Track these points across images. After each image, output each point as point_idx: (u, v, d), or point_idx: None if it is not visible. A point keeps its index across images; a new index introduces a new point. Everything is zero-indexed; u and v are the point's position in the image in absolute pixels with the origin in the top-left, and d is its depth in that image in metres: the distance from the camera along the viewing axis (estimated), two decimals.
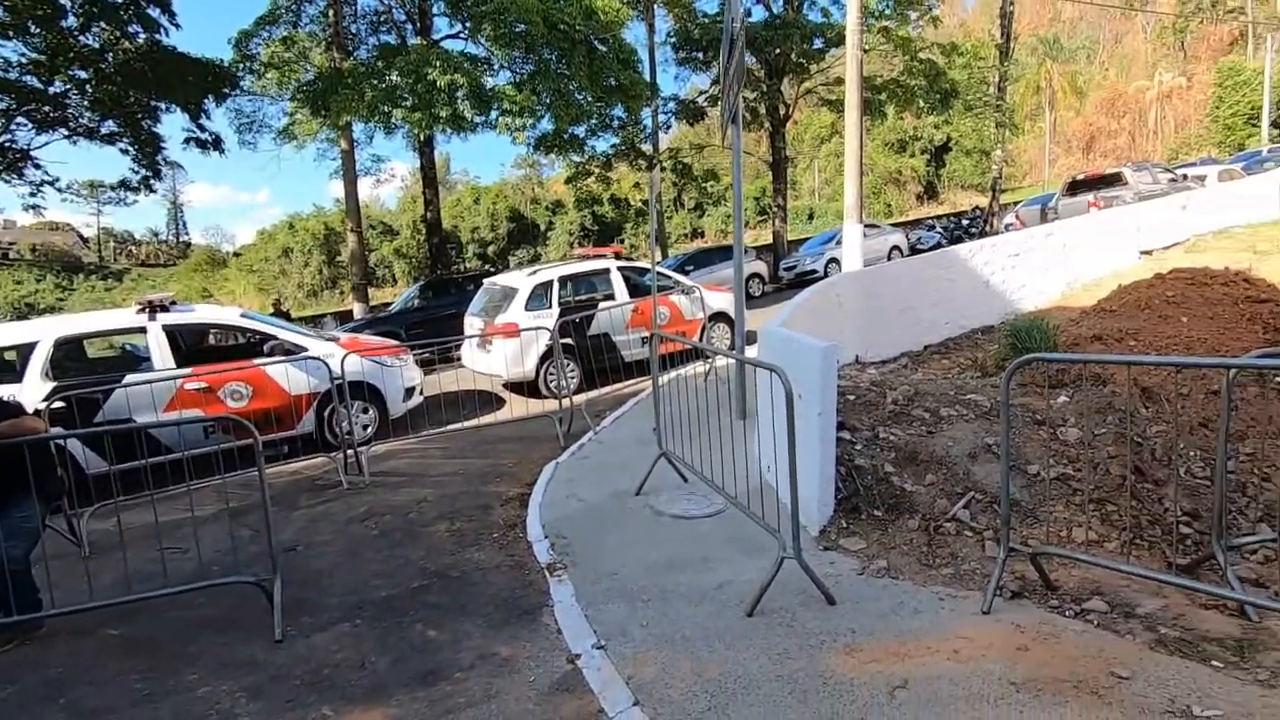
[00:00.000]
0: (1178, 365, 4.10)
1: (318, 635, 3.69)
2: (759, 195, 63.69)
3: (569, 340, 8.25)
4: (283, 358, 6.76)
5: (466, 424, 7.43)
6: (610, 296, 9.12)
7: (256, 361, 6.75)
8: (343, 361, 6.35)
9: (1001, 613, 3.22)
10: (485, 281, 10.12)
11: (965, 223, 22.77)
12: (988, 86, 24.33)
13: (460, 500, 5.61)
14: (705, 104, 20.60)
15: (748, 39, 18.73)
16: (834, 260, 17.32)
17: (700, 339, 9.47)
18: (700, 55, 19.28)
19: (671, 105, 21.33)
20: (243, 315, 7.45)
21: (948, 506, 4.14)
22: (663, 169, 22.32)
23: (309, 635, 3.69)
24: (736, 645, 3.16)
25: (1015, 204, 24.15)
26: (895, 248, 19.60)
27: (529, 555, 4.46)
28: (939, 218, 27.24)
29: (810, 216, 58.23)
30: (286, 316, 13.81)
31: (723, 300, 9.74)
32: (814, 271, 18.24)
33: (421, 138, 15.04)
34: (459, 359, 9.56)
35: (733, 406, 6.42)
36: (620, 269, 9.38)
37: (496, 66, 14.78)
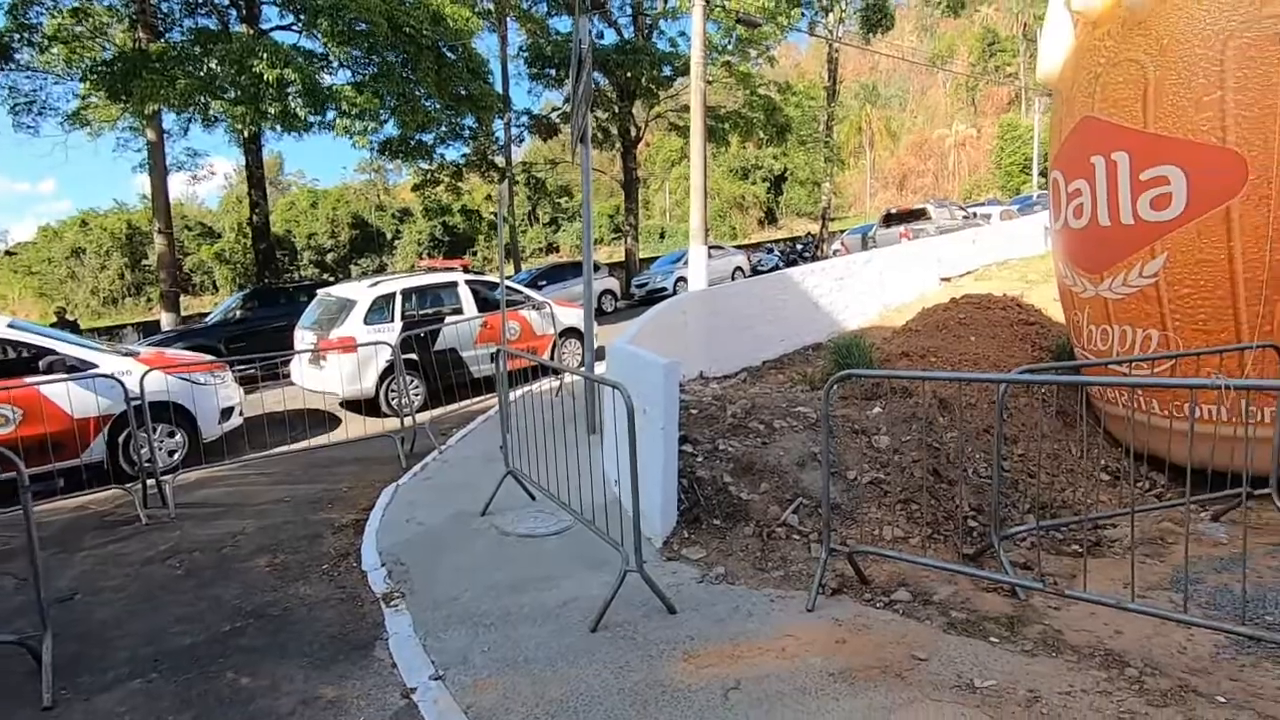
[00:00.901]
0: (962, 380, 4.70)
1: (100, 696, 3.20)
2: (613, 213, 64.89)
3: (413, 356, 7.89)
4: (64, 375, 5.85)
5: (295, 446, 6.85)
6: (458, 311, 8.85)
7: (28, 380, 5.79)
8: (142, 379, 5.61)
9: (824, 609, 3.49)
10: (319, 292, 9.42)
11: (800, 247, 24.69)
12: (818, 124, 26.70)
13: (285, 530, 5.14)
14: (558, 120, 20.76)
15: (599, 61, 19.17)
16: (683, 279, 18.02)
17: (552, 355, 9.45)
18: (553, 72, 19.45)
19: (525, 119, 21.30)
20: (11, 325, 6.36)
21: (779, 513, 4.42)
22: (515, 182, 22.15)
23: (88, 698, 3.20)
24: (579, 662, 3.16)
25: (842, 232, 26.58)
26: (738, 268, 20.79)
27: (363, 585, 4.18)
28: (777, 242, 29.33)
29: (662, 235, 60.24)
30: (73, 327, 11.95)
31: (574, 316, 9.79)
32: (664, 289, 18.88)
33: (246, 134, 13.75)
34: (288, 376, 8.80)
35: (582, 422, 6.46)
36: (469, 283, 9.13)
37: (336, 65, 13.91)
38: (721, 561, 4.11)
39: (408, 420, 6.87)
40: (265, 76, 11.24)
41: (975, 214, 18.52)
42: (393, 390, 7.92)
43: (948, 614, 3.43)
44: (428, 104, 14.18)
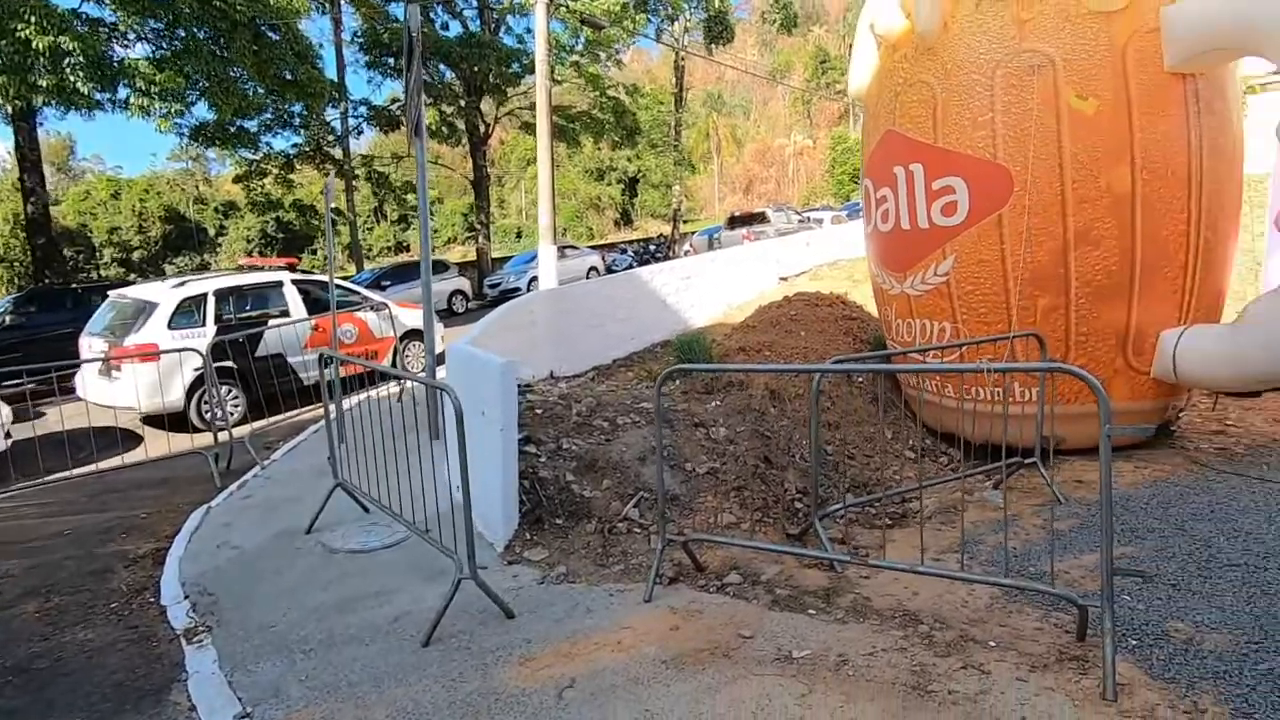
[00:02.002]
0: (782, 371, 5.02)
1: None
2: (466, 211, 62.95)
3: (229, 363, 7.15)
4: None
5: (80, 471, 5.95)
6: (284, 313, 8.14)
7: None
8: None
9: (661, 599, 3.58)
10: (112, 294, 8.27)
11: (653, 248, 25.35)
12: (667, 128, 27.54)
13: (64, 569, 4.46)
14: (399, 112, 19.74)
15: (443, 53, 18.49)
16: (537, 278, 17.84)
17: (393, 359, 8.97)
18: (391, 61, 18.44)
19: (363, 110, 20.02)
20: None
21: (621, 508, 4.48)
22: (354, 176, 20.82)
23: None
24: (409, 680, 3.01)
25: (692, 233, 27.61)
26: (593, 268, 20.93)
27: (160, 623, 3.71)
28: (631, 242, 29.89)
29: (519, 235, 59.36)
30: None
31: (418, 317, 9.35)
32: (517, 289, 18.60)
33: (11, 109, 11.74)
34: (73, 390, 7.65)
35: (425, 428, 6.17)
36: (296, 283, 8.43)
37: (133, 37, 12.27)
38: (563, 561, 4.10)
39: (223, 435, 6.22)
40: (35, 44, 9.66)
41: (810, 218, 19.99)
42: (206, 402, 7.13)
43: (773, 592, 3.64)
44: (247, 87, 12.91)
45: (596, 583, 3.83)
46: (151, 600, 4.01)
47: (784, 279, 14.58)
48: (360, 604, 3.70)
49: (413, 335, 9.20)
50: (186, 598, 3.93)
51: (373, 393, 6.74)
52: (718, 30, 23.22)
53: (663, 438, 5.18)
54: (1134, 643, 2.92)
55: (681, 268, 11.62)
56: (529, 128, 22.59)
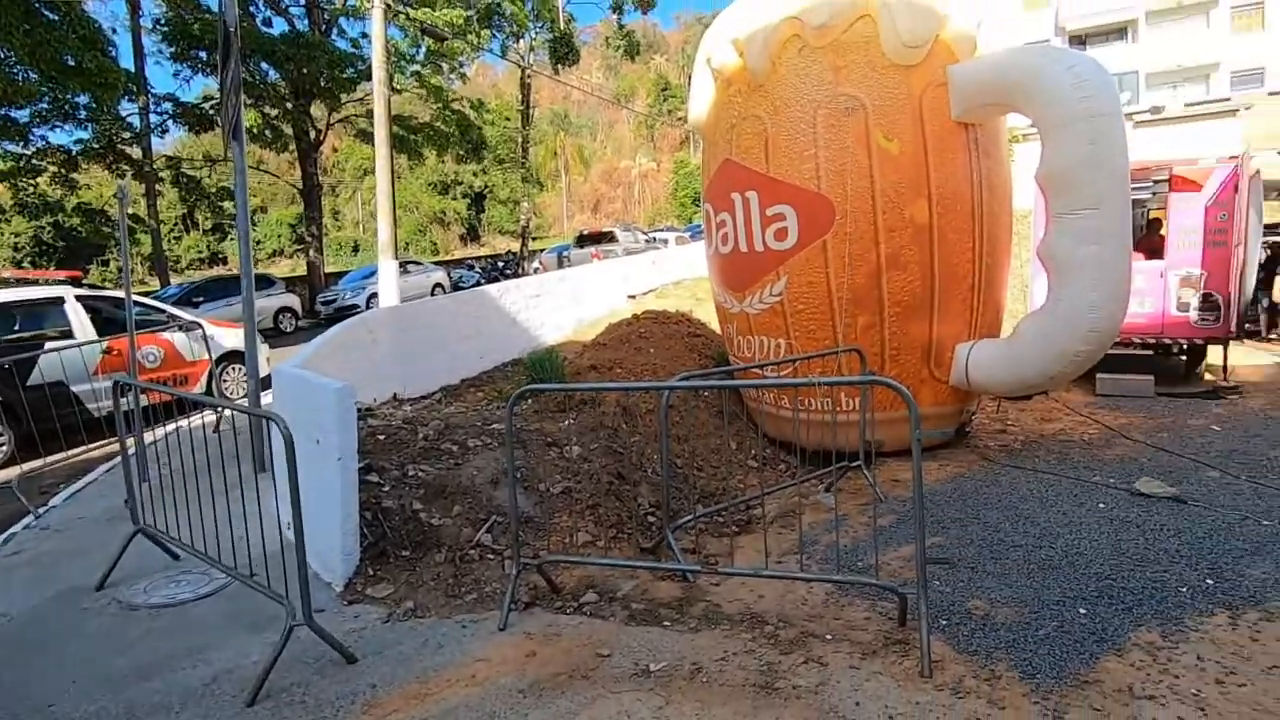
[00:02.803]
0: (631, 389, 5.13)
1: None
2: (294, 222, 58.34)
3: None
4: None
5: None
6: (66, 334, 7.01)
7: None
8: None
9: (516, 626, 3.48)
10: None
11: (501, 265, 24.92)
12: (514, 145, 27.32)
13: None
14: (212, 111, 17.85)
15: (266, 51, 17.06)
16: (377, 295, 16.87)
17: (209, 384, 8.04)
18: (204, 55, 16.64)
19: (168, 106, 17.83)
20: None
21: (473, 534, 4.32)
22: (158, 179, 18.49)
23: None
24: None
25: (541, 250, 27.52)
26: (438, 285, 20.17)
27: None
28: (479, 259, 29.19)
29: (356, 249, 55.91)
30: None
31: (237, 337, 8.47)
32: (355, 306, 17.46)
33: None
34: None
35: (242, 459, 5.58)
36: (82, 299, 7.30)
37: None
38: (410, 595, 3.87)
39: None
40: None
41: (656, 238, 20.69)
42: None
43: (629, 607, 3.68)
44: (17, 71, 11.06)
45: (448, 615, 3.66)
46: None
47: (632, 297, 14.94)
48: (169, 666, 3.24)
49: (232, 357, 8.30)
50: None
51: (183, 423, 6.02)
52: (563, 51, 23.49)
53: (516, 459, 5.09)
54: (944, 623, 3.29)
55: (531, 285, 11.53)
56: (366, 136, 21.37)
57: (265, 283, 16.39)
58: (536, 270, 22.40)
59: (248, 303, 5.84)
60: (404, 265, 18.26)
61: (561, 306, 12.09)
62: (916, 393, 5.90)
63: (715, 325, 10.44)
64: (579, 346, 8.82)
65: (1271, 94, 25.36)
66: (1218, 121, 21.26)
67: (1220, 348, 8.26)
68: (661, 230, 29.19)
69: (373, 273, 18.90)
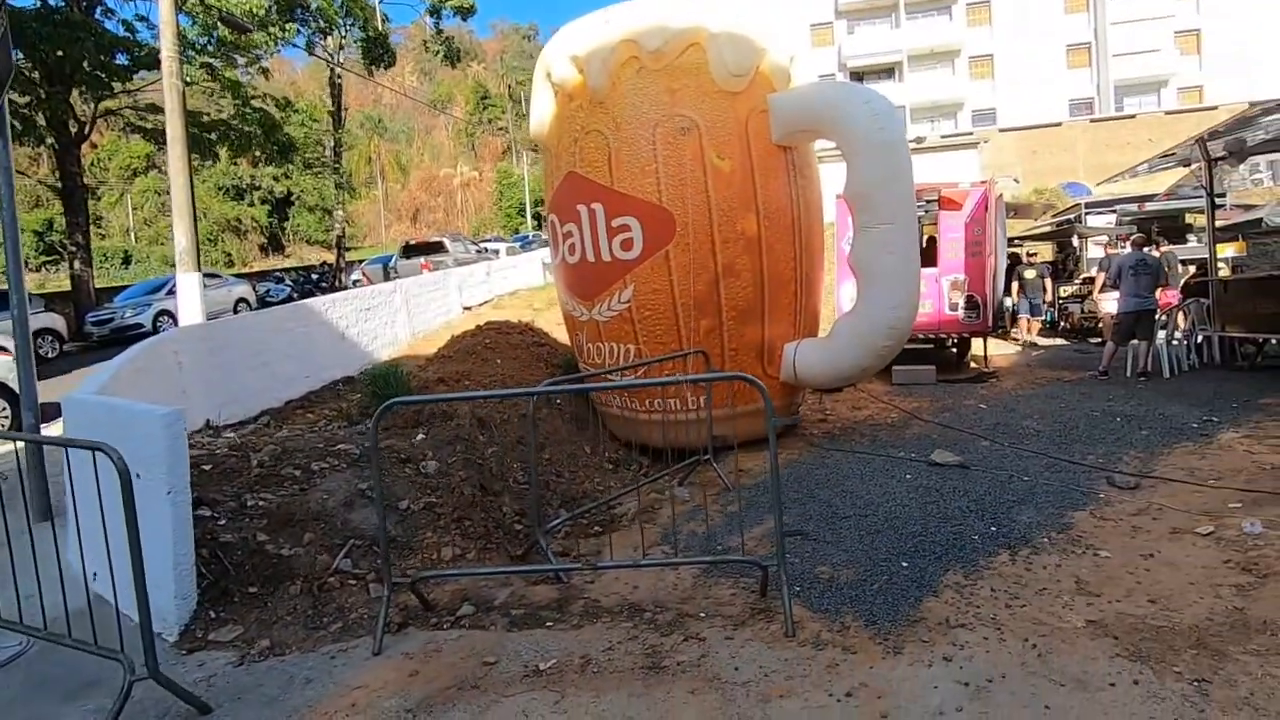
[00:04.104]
0: (497, 397, 5.12)
1: None
2: (41, 229, 49.50)
3: None
4: None
5: None
6: None
7: None
8: None
9: (392, 648, 3.36)
10: None
11: (315, 277, 23.07)
12: (323, 148, 25.39)
13: None
14: None
15: (12, 28, 14.38)
16: (166, 312, 14.89)
17: None
18: None
19: None
20: None
21: (329, 561, 4.06)
22: None
23: None
24: None
25: (360, 261, 25.83)
26: (242, 299, 18.21)
27: None
28: (289, 270, 26.75)
29: (127, 260, 48.73)
30: None
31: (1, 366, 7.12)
32: (139, 326, 15.23)
33: None
34: None
35: (23, 508, 4.75)
36: None
37: None
38: (264, 633, 3.56)
39: None
40: None
41: (486, 249, 20.35)
42: None
43: (509, 614, 3.69)
44: None
45: (311, 648, 3.43)
46: None
47: (468, 308, 14.63)
48: None
49: None
50: None
51: None
52: (378, 53, 22.29)
53: (370, 479, 4.85)
54: (798, 589, 3.69)
55: (359, 298, 10.88)
56: (143, 132, 18.78)
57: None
58: (357, 282, 21.01)
59: (21, 323, 4.99)
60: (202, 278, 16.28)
61: (395, 320, 11.55)
62: (749, 389, 6.47)
63: (557, 334, 10.58)
64: (421, 360, 8.51)
65: (1001, 130, 30.86)
66: (964, 151, 25.46)
67: (980, 340, 9.93)
68: (489, 240, 28.72)
69: (159, 286, 16.67)
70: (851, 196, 5.74)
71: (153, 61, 15.67)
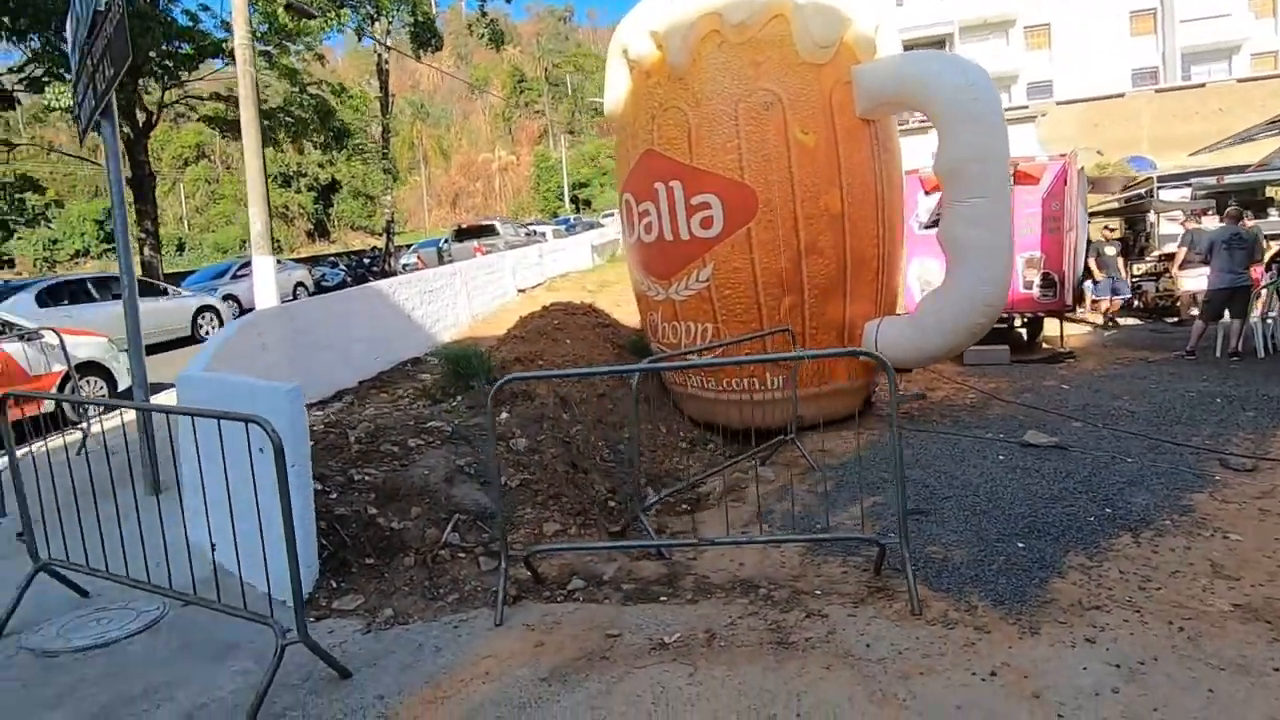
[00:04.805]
0: (602, 374, 5.16)
1: None
2: (101, 218, 51.29)
3: None
4: None
5: None
6: None
7: None
8: None
9: (511, 619, 3.42)
10: None
11: (367, 261, 23.48)
12: (368, 135, 25.69)
13: None
14: (20, 88, 15.12)
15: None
16: (231, 297, 15.33)
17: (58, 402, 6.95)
18: (13, 21, 13.82)
19: None
20: None
21: (439, 535, 4.15)
22: None
23: None
24: None
25: (407, 246, 26.21)
26: (300, 284, 18.64)
27: None
28: (341, 255, 27.31)
29: (181, 248, 50.32)
30: None
31: (94, 347, 7.42)
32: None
33: None
34: None
35: (138, 482, 4.98)
36: None
37: None
38: (386, 603, 3.66)
39: None
40: None
41: (535, 231, 20.45)
42: None
43: (620, 588, 3.73)
44: None
45: (433, 618, 3.51)
46: None
47: (522, 291, 14.73)
48: (126, 712, 2.86)
49: (87, 369, 7.25)
50: None
51: (44, 444, 5.23)
52: (426, 36, 22.42)
53: (464, 455, 4.95)
54: (911, 569, 3.64)
55: (423, 280, 11.03)
56: (209, 121, 19.22)
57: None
58: (407, 266, 21.32)
59: (130, 304, 5.18)
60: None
61: (455, 302, 11.69)
62: (834, 368, 6.39)
63: (617, 315, 10.58)
64: (490, 341, 8.60)
65: (1059, 103, 29.66)
66: (1020, 126, 24.56)
67: (1056, 320, 9.62)
68: (533, 223, 28.85)
69: (224, 271, 17.16)
70: (942, 170, 5.57)
71: (216, 50, 16.03)
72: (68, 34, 5.71)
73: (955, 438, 5.96)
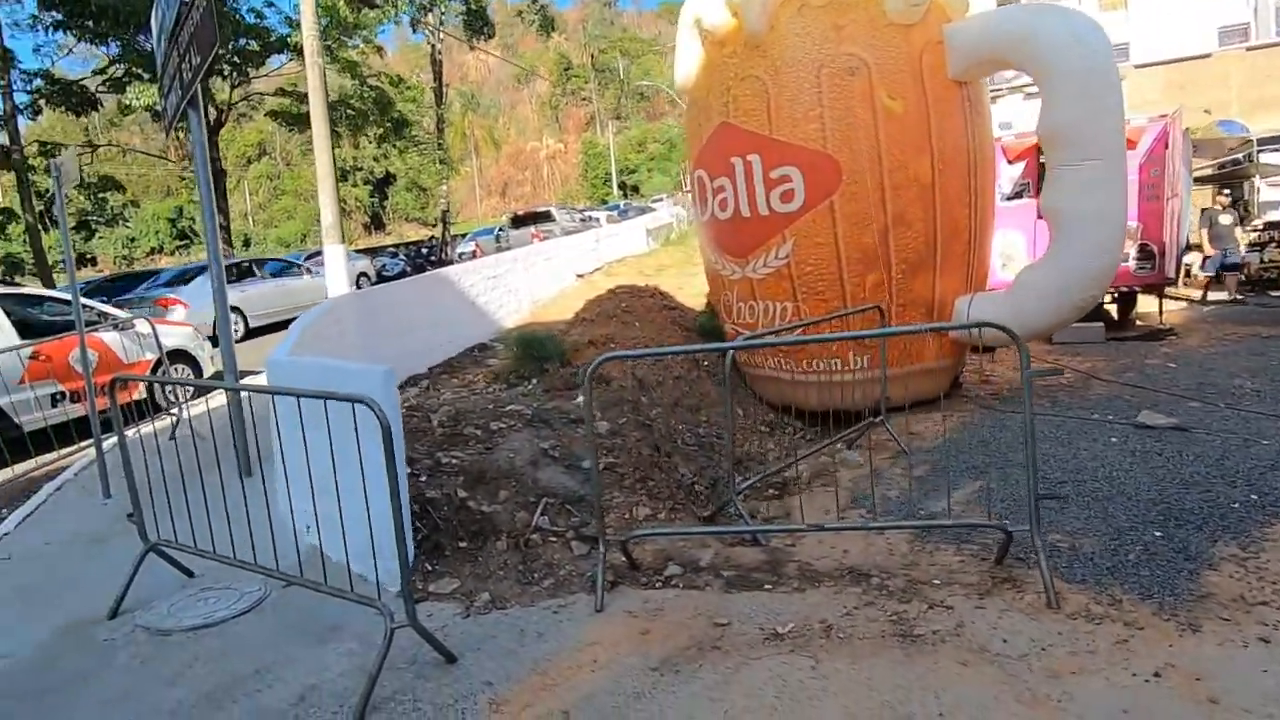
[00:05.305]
0: (695, 351, 5.01)
1: None
2: (173, 216, 53.48)
3: None
4: None
5: None
6: None
7: None
8: None
9: (611, 605, 3.31)
10: None
11: (425, 251, 23.85)
12: (421, 126, 25.98)
13: None
14: (103, 89, 15.77)
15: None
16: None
17: (149, 388, 7.20)
18: (97, 23, 14.40)
19: (39, 83, 15.60)
20: None
21: (529, 518, 4.09)
22: (29, 169, 16.36)
23: None
24: None
25: (462, 235, 26.51)
26: (363, 274, 19.01)
27: None
28: (399, 246, 27.86)
29: (247, 243, 52.20)
30: None
31: (180, 335, 7.66)
32: None
33: None
34: None
35: (226, 465, 5.07)
36: None
37: None
38: (482, 587, 3.60)
39: None
40: None
41: (591, 216, 20.39)
42: None
43: (720, 576, 3.58)
44: None
45: (530, 603, 3.43)
46: None
47: (580, 276, 14.65)
48: (239, 690, 2.87)
49: (176, 356, 7.49)
50: None
51: (133, 429, 5.39)
52: (479, 24, 22.52)
53: (546, 439, 4.87)
54: (1033, 557, 3.38)
55: (488, 266, 11.06)
56: (274, 115, 19.72)
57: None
58: (462, 256, 21.54)
59: (220, 292, 5.26)
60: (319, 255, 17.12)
61: (518, 288, 11.69)
62: (921, 347, 6.08)
63: (680, 298, 10.40)
64: (559, 325, 8.54)
65: (1138, 66, 27.86)
66: None
67: (1154, 295, 8.99)
68: (584, 209, 28.83)
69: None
70: (1048, 132, 5.18)
71: (281, 46, 16.41)
72: (152, 27, 5.81)
73: (1058, 419, 5.59)
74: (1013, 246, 8.56)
